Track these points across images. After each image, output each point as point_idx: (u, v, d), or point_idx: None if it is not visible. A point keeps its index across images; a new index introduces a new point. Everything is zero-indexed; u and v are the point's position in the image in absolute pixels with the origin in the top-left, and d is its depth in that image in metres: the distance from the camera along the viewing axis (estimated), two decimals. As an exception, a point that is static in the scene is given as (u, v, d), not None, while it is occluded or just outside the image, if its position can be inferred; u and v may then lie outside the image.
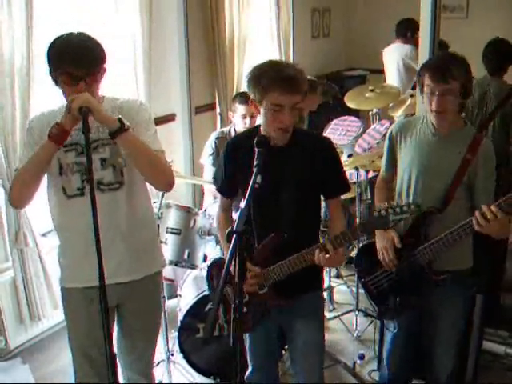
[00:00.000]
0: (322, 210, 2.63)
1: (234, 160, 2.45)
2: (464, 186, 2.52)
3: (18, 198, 2.35)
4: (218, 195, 2.67)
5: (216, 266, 2.74)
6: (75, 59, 2.16)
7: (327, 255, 2.26)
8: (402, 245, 2.57)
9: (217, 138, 4.04)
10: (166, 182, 2.39)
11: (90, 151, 2.02)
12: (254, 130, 2.45)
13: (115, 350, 2.60)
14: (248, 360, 2.66)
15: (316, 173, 2.37)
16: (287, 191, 2.36)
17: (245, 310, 2.42)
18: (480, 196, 2.50)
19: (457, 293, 2.64)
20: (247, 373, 2.65)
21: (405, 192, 2.64)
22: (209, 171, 4.05)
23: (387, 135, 2.77)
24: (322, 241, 2.37)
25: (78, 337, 2.45)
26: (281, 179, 2.35)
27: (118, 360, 2.62)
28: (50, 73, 2.22)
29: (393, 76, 6.03)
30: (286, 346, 2.90)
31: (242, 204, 1.97)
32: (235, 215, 2.80)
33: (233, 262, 1.86)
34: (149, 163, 2.28)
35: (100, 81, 2.28)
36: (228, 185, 2.53)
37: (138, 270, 2.45)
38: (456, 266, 2.59)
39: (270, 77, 2.20)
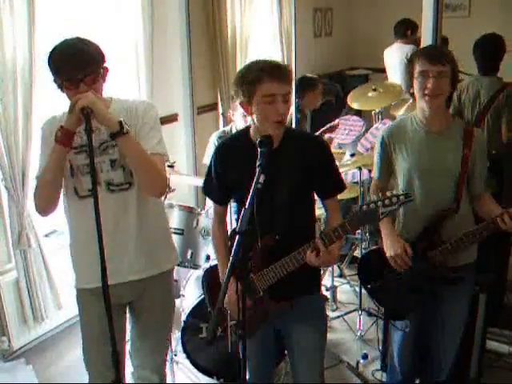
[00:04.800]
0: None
1: (225, 165, 2.41)
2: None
3: (44, 206, 2.36)
4: (211, 206, 2.62)
5: (211, 274, 2.72)
6: (70, 63, 2.17)
7: (318, 254, 2.20)
8: (414, 249, 2.56)
9: (219, 137, 4.01)
10: (156, 190, 2.39)
11: (93, 152, 2.03)
12: (241, 133, 2.45)
13: (128, 347, 2.65)
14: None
15: (309, 173, 2.32)
16: (280, 194, 2.30)
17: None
18: (476, 183, 2.55)
19: (463, 289, 2.64)
20: None
21: None
22: None
23: (378, 141, 2.73)
24: None
25: (92, 334, 2.46)
26: (273, 182, 2.24)
27: (130, 359, 2.66)
28: (54, 81, 2.24)
29: (394, 76, 6.02)
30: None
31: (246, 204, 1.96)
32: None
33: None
34: (144, 169, 2.29)
35: (101, 80, 2.28)
36: (221, 191, 2.47)
37: (151, 268, 2.47)
38: (464, 260, 2.60)
39: (257, 68, 2.19)
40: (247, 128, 2.40)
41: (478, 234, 2.44)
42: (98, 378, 2.47)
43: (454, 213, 2.53)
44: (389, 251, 2.60)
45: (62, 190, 2.39)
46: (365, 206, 2.13)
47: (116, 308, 2.39)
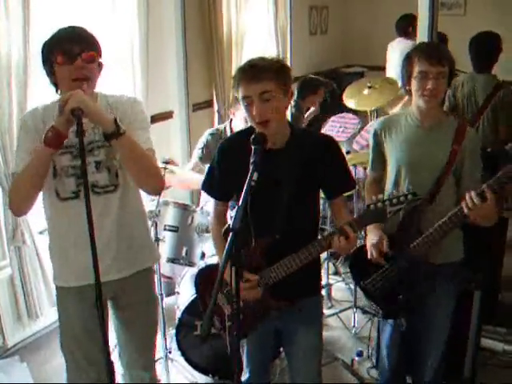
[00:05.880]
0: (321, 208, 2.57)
1: (229, 162, 2.37)
2: (453, 175, 2.55)
3: (19, 207, 2.28)
4: (206, 202, 2.59)
5: (205, 274, 2.73)
6: (70, 36, 2.15)
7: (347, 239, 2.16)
8: (394, 241, 2.56)
9: (210, 134, 3.93)
10: (155, 187, 2.35)
11: (84, 155, 1.95)
12: (248, 130, 2.38)
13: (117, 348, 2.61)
14: (244, 364, 2.61)
15: (311, 168, 2.28)
16: (281, 192, 2.26)
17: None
18: (468, 184, 2.53)
19: (450, 287, 2.64)
20: (244, 378, 2.60)
21: (396, 188, 2.62)
22: (192, 164, 3.99)
23: (371, 134, 2.76)
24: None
25: (73, 332, 2.41)
26: (278, 182, 2.25)
27: (119, 360, 2.61)
28: (45, 64, 2.19)
29: (394, 71, 5.99)
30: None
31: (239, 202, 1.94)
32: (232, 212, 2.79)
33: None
34: (141, 168, 2.23)
35: (97, 68, 2.23)
36: (222, 188, 2.44)
37: (129, 267, 2.42)
38: (448, 258, 2.60)
39: (237, 71, 2.17)
40: (252, 126, 2.35)
41: (452, 224, 2.41)
42: (80, 374, 2.42)
43: (429, 203, 2.53)
44: (368, 242, 2.63)
45: (42, 190, 2.29)
46: (372, 206, 2.14)
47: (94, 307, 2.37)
